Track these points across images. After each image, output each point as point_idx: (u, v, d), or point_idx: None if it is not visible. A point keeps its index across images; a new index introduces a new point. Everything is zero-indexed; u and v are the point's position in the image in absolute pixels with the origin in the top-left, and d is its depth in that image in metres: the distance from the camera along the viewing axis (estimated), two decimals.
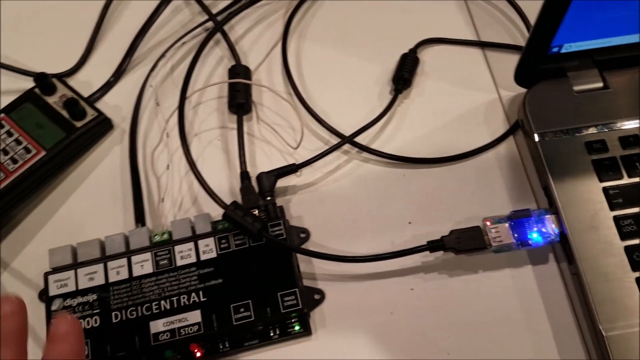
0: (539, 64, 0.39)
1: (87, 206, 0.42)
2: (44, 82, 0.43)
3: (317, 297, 0.38)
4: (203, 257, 0.37)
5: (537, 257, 0.38)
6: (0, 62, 0.46)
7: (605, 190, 0.36)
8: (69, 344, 0.28)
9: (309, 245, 0.40)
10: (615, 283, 0.34)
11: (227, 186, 0.42)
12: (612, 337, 0.33)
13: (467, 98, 0.44)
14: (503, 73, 0.45)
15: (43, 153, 0.41)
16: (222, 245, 0.38)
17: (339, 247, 0.40)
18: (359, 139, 0.43)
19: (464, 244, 0.36)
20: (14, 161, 0.41)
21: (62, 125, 0.42)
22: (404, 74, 0.44)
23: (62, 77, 0.46)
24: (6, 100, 0.43)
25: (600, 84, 0.40)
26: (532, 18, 0.44)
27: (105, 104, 0.46)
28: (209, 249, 0.38)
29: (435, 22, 0.48)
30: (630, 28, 0.38)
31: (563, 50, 0.38)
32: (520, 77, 0.40)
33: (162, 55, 0.46)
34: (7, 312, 0.28)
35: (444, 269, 0.38)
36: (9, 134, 0.42)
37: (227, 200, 0.39)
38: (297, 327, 0.37)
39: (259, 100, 0.45)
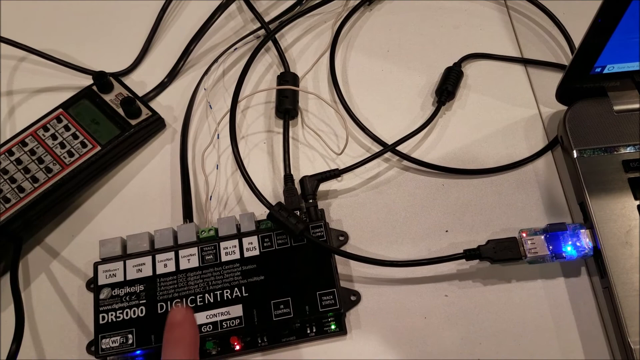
0: (581, 83, 0.41)
1: (137, 201, 0.45)
2: (102, 80, 0.47)
3: (353, 298, 0.40)
4: (246, 254, 0.40)
5: (570, 270, 0.40)
6: (61, 60, 0.50)
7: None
8: (185, 330, 0.31)
9: (348, 248, 0.42)
10: None
11: (270, 188, 0.45)
12: None
13: (508, 112, 0.47)
14: (544, 90, 0.47)
15: (98, 148, 0.45)
16: (265, 244, 0.40)
17: (376, 251, 0.42)
18: (400, 148, 0.45)
19: (500, 254, 0.38)
20: (71, 154, 0.44)
21: (117, 123, 0.46)
22: (448, 86, 0.46)
23: (119, 76, 0.50)
24: (65, 97, 0.47)
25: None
26: (575, 36, 0.47)
27: (158, 104, 0.49)
28: (252, 246, 0.40)
29: (480, 38, 0.50)
30: None
31: (605, 71, 0.40)
32: (562, 94, 0.42)
33: (215, 60, 0.50)
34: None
35: (478, 277, 0.41)
36: (67, 128, 0.46)
37: (271, 201, 0.42)
38: (333, 326, 0.39)
39: (305, 106, 0.48)
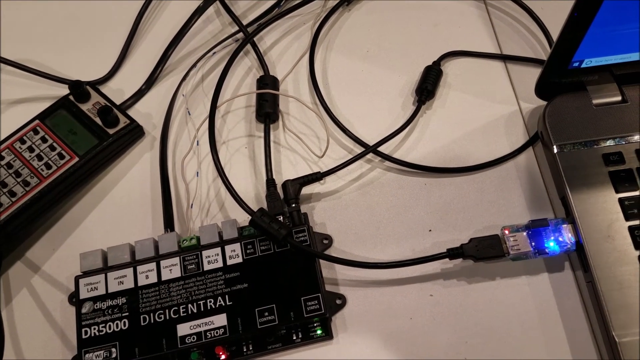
0: (559, 78, 0.42)
1: (117, 211, 0.45)
2: (78, 90, 0.46)
3: (338, 302, 0.40)
4: (229, 262, 0.40)
5: (554, 265, 0.41)
6: (36, 70, 0.50)
7: (621, 201, 0.39)
8: None
9: (332, 252, 0.42)
10: (629, 291, 0.36)
11: (253, 193, 0.45)
12: (625, 343, 0.35)
13: (488, 109, 0.47)
14: (524, 86, 0.47)
15: (76, 159, 0.45)
16: (248, 251, 0.40)
17: (360, 253, 0.42)
18: (382, 148, 0.45)
19: (483, 252, 0.38)
20: (48, 166, 0.44)
21: (95, 132, 0.46)
22: (427, 85, 0.47)
23: (96, 84, 0.50)
24: (42, 107, 0.47)
25: (619, 98, 0.42)
26: (554, 32, 0.47)
27: (137, 112, 0.49)
28: (235, 254, 0.40)
29: (459, 36, 0.50)
30: None
31: (583, 65, 0.41)
32: (541, 90, 0.43)
33: (194, 65, 0.50)
34: None
35: (463, 276, 0.41)
36: (44, 139, 0.45)
37: (253, 207, 0.42)
38: (319, 331, 0.39)
39: (286, 109, 0.48)
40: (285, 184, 0.43)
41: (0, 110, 0.49)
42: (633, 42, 0.40)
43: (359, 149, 0.46)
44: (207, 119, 0.46)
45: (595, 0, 0.36)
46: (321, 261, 0.41)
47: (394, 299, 0.41)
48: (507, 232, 0.39)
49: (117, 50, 0.51)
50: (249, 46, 0.51)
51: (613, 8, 0.37)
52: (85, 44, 0.52)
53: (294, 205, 0.42)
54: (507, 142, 0.46)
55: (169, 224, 0.43)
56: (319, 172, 0.44)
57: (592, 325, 0.39)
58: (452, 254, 0.39)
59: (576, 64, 0.40)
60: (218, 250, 0.40)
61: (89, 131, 0.46)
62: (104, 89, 0.50)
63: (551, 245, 0.38)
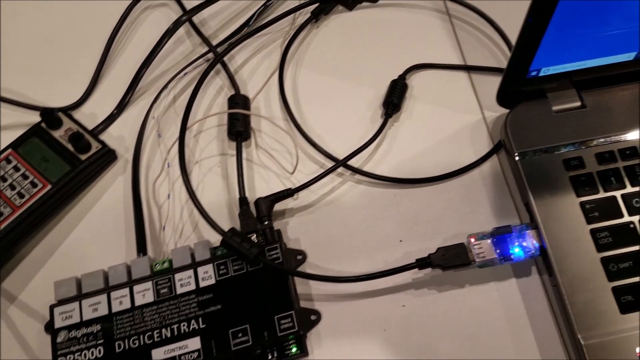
0: (519, 86, 0.43)
1: (91, 237, 0.45)
2: (50, 117, 0.47)
3: (313, 317, 0.41)
4: (202, 284, 0.40)
5: (521, 270, 0.42)
6: (8, 98, 0.50)
7: (582, 204, 0.40)
8: None
9: (306, 267, 0.43)
10: (593, 293, 0.37)
11: (227, 211, 0.46)
12: (590, 345, 0.36)
13: (453, 120, 0.48)
14: (487, 95, 0.48)
15: (49, 187, 0.45)
16: (221, 272, 0.41)
17: (334, 267, 0.43)
18: (352, 162, 0.46)
19: (450, 261, 0.39)
20: (21, 196, 0.44)
21: (68, 159, 0.46)
22: (394, 99, 0.48)
23: (68, 110, 0.50)
24: (13, 134, 0.47)
25: (578, 104, 0.43)
26: (514, 39, 0.48)
27: (109, 135, 0.50)
28: (208, 275, 0.41)
29: (424, 48, 0.51)
30: (604, 51, 0.41)
31: (541, 74, 0.42)
32: (502, 99, 0.44)
33: (165, 87, 0.50)
34: None
35: (433, 284, 0.42)
36: (16, 168, 0.46)
37: (227, 225, 0.43)
38: (294, 349, 0.39)
39: (258, 127, 0.49)
40: (257, 202, 0.44)
41: None
42: (588, 48, 0.41)
43: (330, 163, 0.47)
44: (178, 141, 0.46)
45: (548, 6, 0.37)
46: (295, 277, 0.42)
47: (367, 312, 0.41)
48: (472, 240, 0.40)
49: (89, 75, 0.52)
50: (219, 66, 0.52)
51: (566, 14, 0.37)
52: (57, 70, 0.53)
53: (266, 222, 0.43)
54: (473, 151, 0.46)
55: (141, 248, 0.43)
56: (291, 188, 0.45)
57: (560, 327, 0.39)
58: (421, 264, 0.40)
59: (534, 73, 0.42)
60: (190, 272, 0.41)
61: (61, 158, 0.46)
62: (77, 113, 0.51)
63: (516, 251, 0.39)
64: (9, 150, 0.47)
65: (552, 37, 0.39)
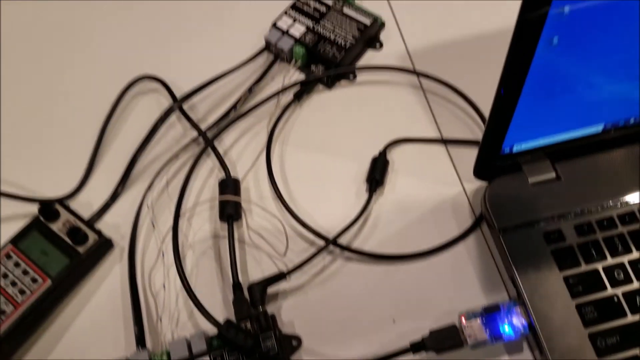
0: (494, 162, 0.41)
1: (91, 329, 0.43)
2: (48, 210, 0.45)
3: None
4: None
5: (513, 347, 0.40)
6: (5, 192, 0.48)
7: (565, 279, 0.38)
8: None
9: (302, 353, 0.41)
10: None
11: (220, 296, 0.44)
12: None
13: (434, 192, 0.47)
14: (465, 166, 0.47)
15: (49, 282, 0.43)
16: None
17: (330, 351, 0.41)
18: (340, 240, 0.45)
19: (443, 343, 0.37)
20: (22, 292, 0.42)
21: (66, 252, 0.44)
22: (376, 175, 0.47)
23: (64, 199, 0.48)
24: (11, 226, 0.46)
25: (553, 175, 0.42)
26: (487, 111, 0.47)
27: (105, 223, 0.48)
28: None
29: (401, 122, 0.50)
30: (573, 125, 0.40)
31: (515, 150, 0.41)
32: (479, 173, 0.43)
33: (158, 173, 0.49)
34: None
35: None
36: (17, 264, 0.44)
37: (222, 310, 0.40)
38: None
39: (248, 207, 0.48)
40: (250, 287, 0.42)
41: None
42: (558, 123, 0.40)
43: (319, 241, 0.45)
44: (171, 230, 0.44)
45: (518, 80, 0.35)
46: None
47: None
48: (463, 319, 0.38)
49: (83, 162, 0.50)
50: (210, 149, 0.50)
51: (534, 89, 0.36)
52: (53, 158, 0.51)
53: (260, 309, 0.41)
54: (456, 224, 0.45)
55: (140, 341, 0.41)
56: (283, 272, 0.43)
57: None
58: (414, 348, 0.38)
59: (507, 150, 0.40)
60: None
61: (60, 251, 0.44)
62: (73, 202, 0.49)
63: (506, 330, 0.37)
64: (9, 246, 0.45)
65: (522, 115, 0.38)
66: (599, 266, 0.38)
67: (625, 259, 0.39)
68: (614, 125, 0.41)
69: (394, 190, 0.48)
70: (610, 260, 0.39)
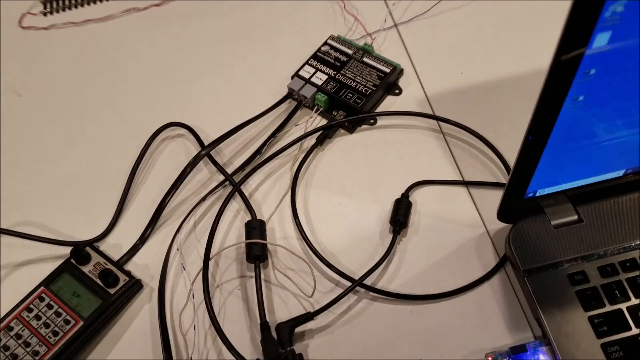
0: (518, 206, 0.43)
1: None
2: (80, 253, 0.47)
3: None
4: None
5: None
6: (37, 236, 0.50)
7: (590, 319, 0.39)
8: None
9: None
10: None
11: (248, 336, 0.45)
12: None
13: (458, 233, 0.49)
14: (488, 208, 0.49)
15: (81, 323, 0.45)
16: None
17: None
18: (366, 280, 0.46)
19: None
20: (55, 333, 0.44)
21: (98, 293, 0.46)
22: (399, 217, 0.49)
23: (94, 242, 0.51)
24: (43, 269, 0.48)
25: (575, 217, 0.44)
26: (506, 154, 0.50)
27: (134, 264, 0.50)
28: None
29: (423, 165, 0.53)
30: (595, 171, 0.42)
31: (537, 194, 0.43)
32: (503, 216, 0.44)
33: (188, 217, 0.51)
34: None
35: None
36: (49, 306, 0.46)
37: (250, 350, 0.42)
38: None
39: (274, 248, 0.50)
40: (278, 327, 0.44)
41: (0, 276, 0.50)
42: (580, 168, 0.42)
43: (345, 281, 0.47)
44: (201, 272, 0.46)
45: (545, 130, 0.37)
46: None
47: None
48: (490, 359, 0.39)
49: (112, 206, 0.53)
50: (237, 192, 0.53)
51: (559, 142, 0.38)
52: (83, 202, 0.54)
53: (288, 348, 0.43)
54: (480, 265, 0.47)
55: None
56: (310, 312, 0.45)
57: None
58: None
59: (530, 194, 0.42)
60: None
61: (91, 292, 0.46)
62: (102, 244, 0.51)
63: None
64: (42, 288, 0.47)
65: (546, 161, 0.40)
66: (623, 306, 0.40)
67: None
68: (634, 170, 0.43)
69: (417, 231, 0.49)
70: (634, 301, 0.40)
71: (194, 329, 0.46)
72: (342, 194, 0.52)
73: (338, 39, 0.59)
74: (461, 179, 0.52)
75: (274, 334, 0.44)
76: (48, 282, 0.47)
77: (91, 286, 0.47)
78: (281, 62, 0.60)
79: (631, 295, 0.40)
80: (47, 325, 0.45)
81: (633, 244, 0.42)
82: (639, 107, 0.37)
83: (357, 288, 0.47)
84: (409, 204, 0.50)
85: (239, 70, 0.61)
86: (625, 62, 0.33)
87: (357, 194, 0.52)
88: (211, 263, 0.49)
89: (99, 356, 0.46)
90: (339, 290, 0.46)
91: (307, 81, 0.57)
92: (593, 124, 0.37)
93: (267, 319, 0.45)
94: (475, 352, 0.43)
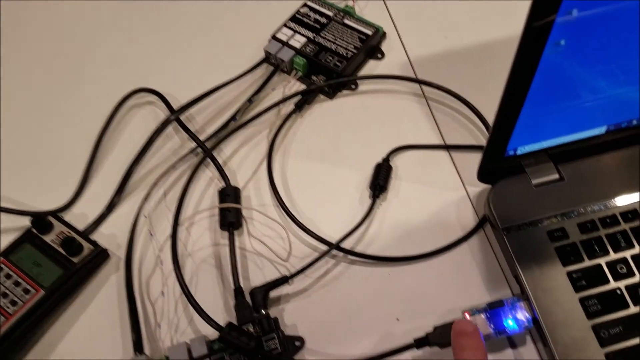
0: (498, 164, 0.46)
1: (88, 338, 0.47)
2: (40, 222, 0.49)
3: None
4: None
5: (517, 340, 0.44)
6: None
7: (569, 274, 0.43)
8: (477, 339, 0.38)
9: (305, 353, 0.45)
10: None
11: (222, 302, 0.48)
12: None
13: (438, 197, 0.51)
14: (468, 171, 0.52)
15: (42, 293, 0.46)
16: None
17: (334, 351, 0.45)
18: (344, 243, 0.49)
19: (447, 338, 0.41)
20: (14, 303, 0.46)
21: (60, 263, 0.48)
22: (379, 181, 0.51)
23: (58, 212, 0.52)
24: (6, 239, 0.49)
25: (556, 176, 0.47)
26: (489, 117, 0.53)
27: (101, 234, 0.52)
28: None
29: (404, 130, 0.56)
30: (576, 127, 0.45)
31: (518, 152, 0.46)
32: (483, 177, 0.47)
33: (155, 184, 0.53)
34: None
35: None
36: (8, 276, 0.47)
37: (223, 316, 0.44)
38: None
39: (249, 215, 0.52)
40: (252, 292, 0.46)
41: None
42: (562, 125, 0.45)
43: (322, 246, 0.49)
44: (170, 239, 0.49)
45: (523, 85, 0.40)
46: None
47: None
48: (467, 315, 0.42)
49: (78, 175, 0.55)
50: (209, 159, 0.55)
51: (539, 92, 0.41)
52: (47, 171, 0.56)
53: (263, 312, 0.45)
54: (460, 226, 0.50)
55: (137, 347, 0.44)
56: (286, 276, 0.47)
57: None
58: (418, 343, 0.42)
59: (511, 152, 0.45)
60: None
61: (53, 262, 0.48)
62: (67, 215, 0.53)
63: (510, 324, 0.41)
64: (1, 258, 0.48)
65: (526, 117, 0.43)
66: (602, 261, 0.43)
67: (627, 254, 0.43)
68: (617, 126, 0.47)
69: (397, 195, 0.52)
70: (613, 255, 0.43)
71: (162, 295, 0.48)
72: (321, 161, 0.55)
73: (318, 0, 0.62)
74: (443, 143, 0.55)
75: (249, 300, 0.46)
76: (8, 252, 0.49)
77: (53, 255, 0.48)
78: (257, 24, 0.63)
79: (610, 250, 0.43)
80: (4, 295, 0.46)
81: (613, 202, 0.46)
82: (624, 58, 0.40)
83: (336, 253, 0.49)
84: (389, 168, 0.53)
85: (213, 33, 0.63)
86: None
87: (336, 160, 0.55)
88: (184, 232, 0.51)
89: (65, 326, 0.47)
90: (317, 255, 0.48)
91: (285, 44, 0.59)
92: (574, 77, 0.40)
93: (242, 286, 0.47)
94: (453, 310, 0.45)
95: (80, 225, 0.51)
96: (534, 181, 0.47)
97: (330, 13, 0.61)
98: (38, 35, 0.65)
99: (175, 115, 0.56)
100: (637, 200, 0.45)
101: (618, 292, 0.42)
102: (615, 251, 0.43)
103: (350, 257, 0.49)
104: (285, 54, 0.58)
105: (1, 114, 0.59)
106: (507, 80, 0.39)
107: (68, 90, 0.61)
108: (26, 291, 0.46)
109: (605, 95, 0.43)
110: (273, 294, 0.47)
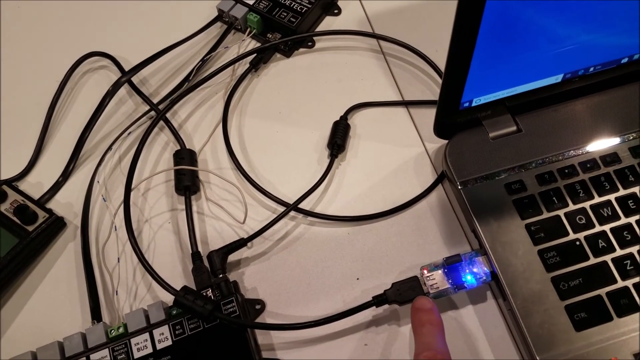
0: (454, 118, 0.43)
1: (46, 307, 0.44)
2: None
3: None
4: (159, 346, 0.39)
5: (477, 297, 0.41)
6: None
7: (527, 226, 0.40)
8: (435, 314, 0.37)
9: (266, 316, 0.42)
10: (548, 314, 0.37)
11: (180, 268, 0.45)
12: None
13: (397, 154, 0.48)
14: (427, 127, 0.49)
15: None
16: (177, 332, 0.39)
17: (294, 312, 0.42)
18: (303, 204, 0.46)
19: (405, 295, 0.39)
20: None
21: (14, 231, 0.45)
22: (337, 140, 0.48)
23: (13, 181, 0.49)
24: None
25: (514, 128, 0.44)
26: None
27: (57, 203, 0.48)
28: (164, 337, 0.39)
29: (363, 88, 0.52)
30: (532, 76, 0.42)
31: (474, 104, 0.42)
32: (439, 131, 0.44)
33: (109, 149, 0.50)
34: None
35: (393, 320, 0.41)
36: None
37: (181, 282, 0.41)
38: None
39: (206, 178, 0.49)
40: (210, 255, 0.43)
41: None
42: (517, 75, 0.42)
43: (281, 208, 0.46)
44: (123, 204, 0.45)
45: (471, 34, 0.36)
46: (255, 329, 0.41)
47: (330, 354, 0.40)
48: (425, 271, 0.39)
49: (32, 143, 0.51)
50: (163, 122, 0.51)
51: (490, 41, 0.37)
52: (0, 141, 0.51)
53: (220, 275, 0.42)
54: (418, 183, 0.47)
55: (95, 315, 0.42)
56: (243, 238, 0.44)
57: (521, 351, 0.39)
58: (377, 301, 0.39)
59: (466, 104, 0.42)
60: (146, 335, 0.39)
61: (7, 231, 0.45)
62: (22, 184, 0.49)
63: (468, 279, 0.39)
64: None
65: (479, 67, 0.39)
66: (561, 213, 0.40)
67: (587, 204, 0.40)
68: (574, 74, 0.43)
69: (356, 154, 0.49)
70: (572, 206, 0.40)
71: (118, 262, 0.45)
72: (278, 121, 0.51)
73: None
74: (401, 99, 0.51)
75: (207, 264, 0.43)
76: None
77: (7, 224, 0.45)
78: None
79: (569, 201, 0.41)
80: None
81: (572, 152, 0.43)
82: (580, 2, 0.36)
83: (295, 214, 0.46)
84: (347, 127, 0.49)
85: None
86: None
87: (294, 120, 0.51)
88: (139, 198, 0.48)
89: (23, 296, 0.44)
90: (275, 217, 0.45)
91: (238, 1, 0.55)
92: (526, 22, 0.37)
93: (201, 250, 0.44)
94: (412, 267, 0.43)
95: (36, 194, 0.48)
96: (491, 134, 0.44)
97: None
98: None
99: (126, 77, 0.52)
100: (596, 149, 0.42)
101: (577, 243, 0.39)
102: (574, 202, 0.41)
103: (309, 218, 0.46)
104: (239, 11, 0.54)
105: None
106: (454, 25, 0.35)
107: (19, 56, 0.56)
108: None
109: (561, 43, 0.40)
110: (232, 257, 0.44)
